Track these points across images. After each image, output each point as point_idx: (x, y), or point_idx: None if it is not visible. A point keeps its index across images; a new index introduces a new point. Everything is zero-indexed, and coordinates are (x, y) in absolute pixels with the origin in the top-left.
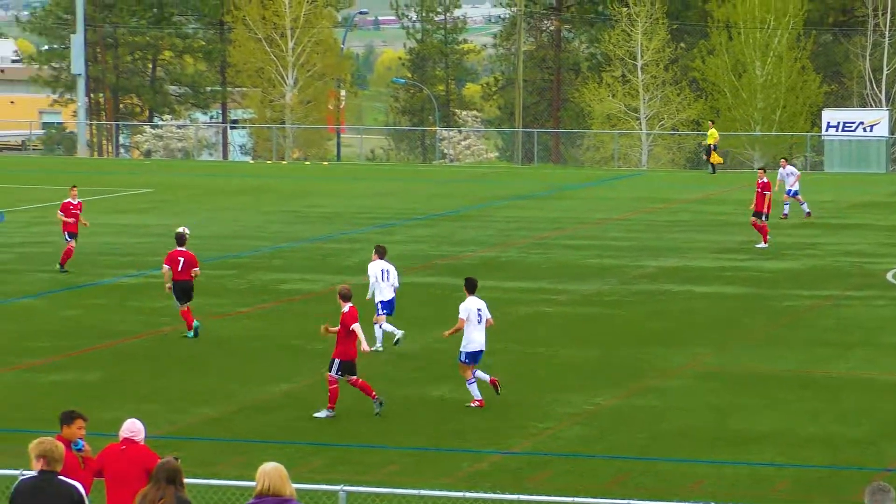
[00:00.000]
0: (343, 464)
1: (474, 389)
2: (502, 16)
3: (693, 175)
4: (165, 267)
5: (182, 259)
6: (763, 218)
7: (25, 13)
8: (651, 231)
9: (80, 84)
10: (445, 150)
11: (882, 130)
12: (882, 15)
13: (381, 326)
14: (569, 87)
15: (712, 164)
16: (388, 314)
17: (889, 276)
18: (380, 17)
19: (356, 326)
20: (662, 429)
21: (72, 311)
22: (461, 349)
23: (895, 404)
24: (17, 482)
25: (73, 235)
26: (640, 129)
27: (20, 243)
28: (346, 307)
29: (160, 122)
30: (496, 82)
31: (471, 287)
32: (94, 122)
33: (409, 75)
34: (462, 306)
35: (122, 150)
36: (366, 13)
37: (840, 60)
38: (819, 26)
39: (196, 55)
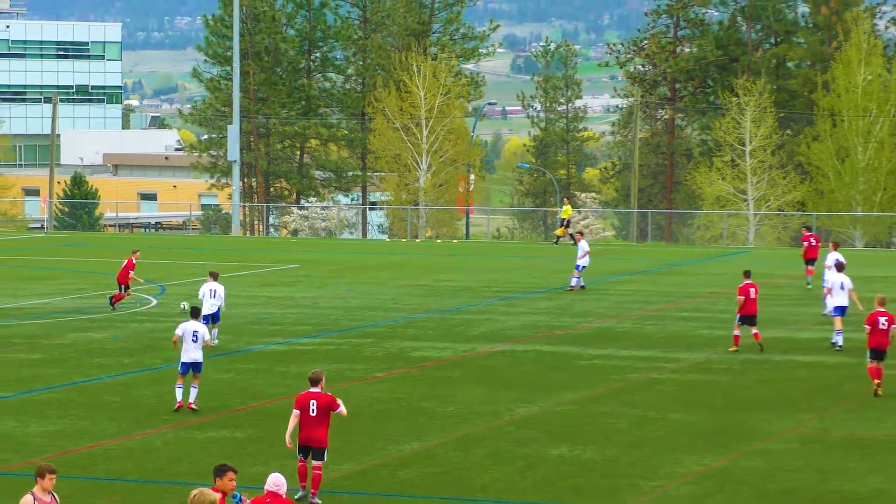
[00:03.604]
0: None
1: (178, 393)
2: (620, 105)
3: (797, 252)
4: None
5: None
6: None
7: (188, 106)
8: (758, 304)
9: (235, 170)
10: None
11: None
12: None
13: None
14: (681, 170)
15: (558, 236)
16: (214, 323)
17: None
18: (507, 108)
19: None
20: (767, 489)
21: (225, 375)
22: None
23: None
24: None
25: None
26: (748, 210)
27: (180, 313)
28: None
29: (306, 204)
30: (613, 167)
31: (194, 313)
32: (248, 204)
33: (533, 160)
34: (179, 326)
35: (271, 230)
36: (494, 104)
37: None
38: None
39: (339, 143)
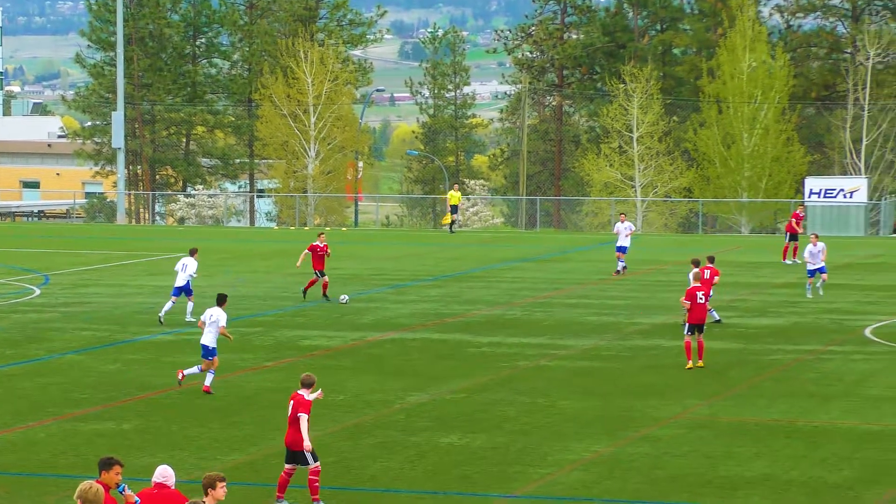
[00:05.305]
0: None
1: (192, 369)
2: (508, 92)
3: (684, 238)
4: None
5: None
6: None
7: (70, 92)
8: (645, 291)
9: (120, 157)
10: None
11: (861, 197)
12: (861, 90)
13: (173, 304)
14: (569, 157)
15: (451, 223)
16: (177, 296)
17: (867, 332)
18: (395, 94)
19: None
20: (656, 475)
21: (111, 366)
22: None
23: (873, 451)
24: None
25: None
26: (636, 197)
27: (63, 303)
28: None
29: (193, 192)
30: (502, 153)
31: (219, 300)
32: (133, 191)
33: (422, 147)
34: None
35: (157, 218)
36: (382, 90)
37: (822, 132)
38: (803, 100)
39: (226, 130)
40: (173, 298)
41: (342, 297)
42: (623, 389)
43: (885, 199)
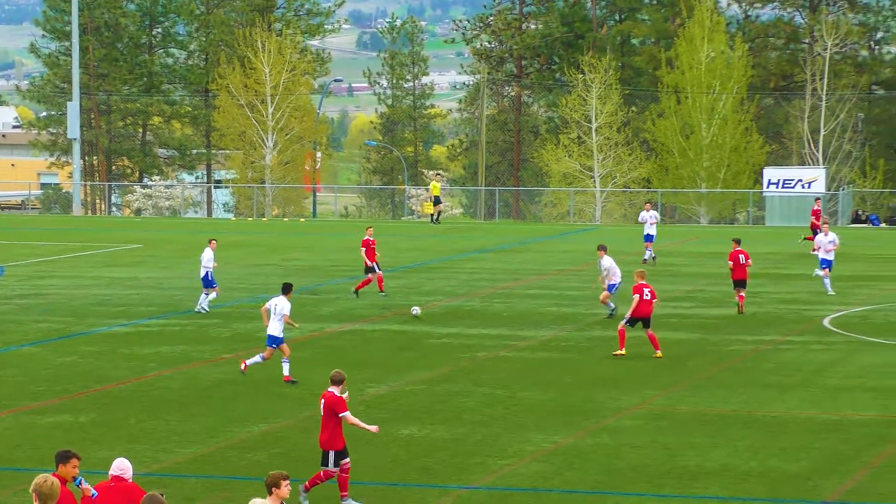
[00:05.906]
0: (318, 500)
1: (254, 358)
2: (467, 82)
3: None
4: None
5: None
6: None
7: (25, 82)
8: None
9: (76, 148)
10: (413, 207)
11: (819, 187)
12: (819, 80)
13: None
14: (528, 148)
15: (433, 215)
16: (205, 287)
17: (826, 322)
18: (353, 85)
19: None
20: (615, 465)
21: (68, 358)
22: None
23: (831, 441)
24: None
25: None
26: (595, 187)
27: (20, 295)
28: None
29: (150, 183)
30: (461, 144)
31: (284, 290)
32: (89, 182)
33: (381, 138)
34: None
35: (114, 209)
36: (340, 80)
37: (781, 122)
38: (761, 91)
39: (183, 120)
40: (213, 289)
41: (414, 308)
42: (582, 380)
43: (843, 189)
